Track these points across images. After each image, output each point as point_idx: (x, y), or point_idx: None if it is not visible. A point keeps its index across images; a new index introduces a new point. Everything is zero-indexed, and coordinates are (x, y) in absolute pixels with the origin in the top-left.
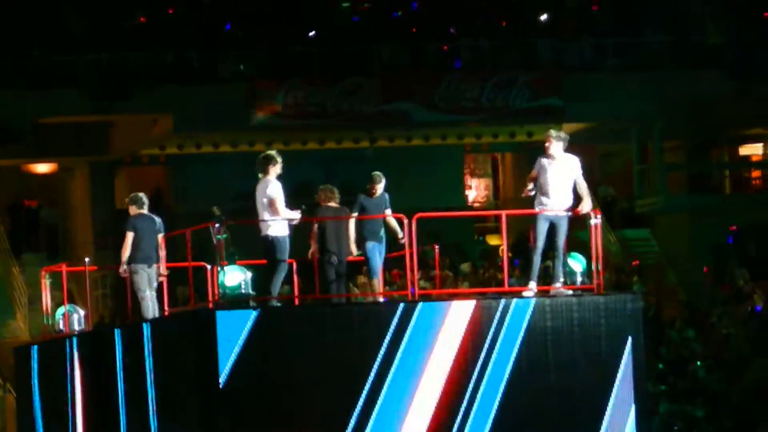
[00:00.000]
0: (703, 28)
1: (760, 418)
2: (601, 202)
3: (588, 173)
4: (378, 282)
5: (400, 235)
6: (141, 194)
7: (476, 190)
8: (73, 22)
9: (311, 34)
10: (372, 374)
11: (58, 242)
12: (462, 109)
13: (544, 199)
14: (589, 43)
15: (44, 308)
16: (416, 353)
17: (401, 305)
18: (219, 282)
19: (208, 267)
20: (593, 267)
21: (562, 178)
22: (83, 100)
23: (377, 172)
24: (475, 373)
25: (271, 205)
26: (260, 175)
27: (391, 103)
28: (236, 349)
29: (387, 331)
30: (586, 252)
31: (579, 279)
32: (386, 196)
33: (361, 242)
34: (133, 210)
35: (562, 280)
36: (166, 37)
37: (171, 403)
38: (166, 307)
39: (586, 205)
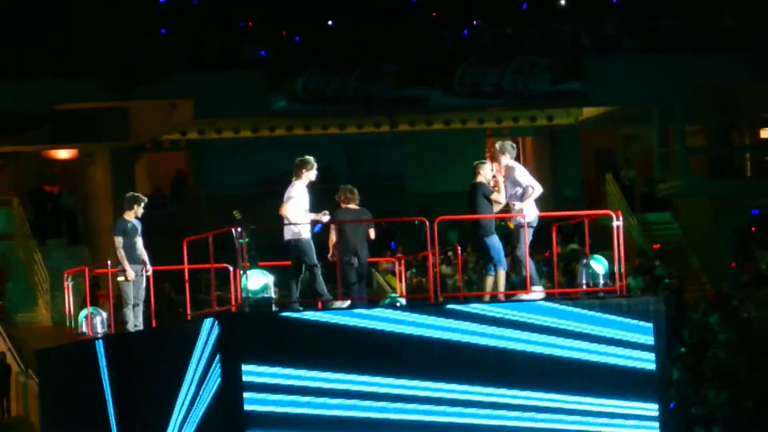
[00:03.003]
0: (721, 11)
1: None
2: (621, 186)
3: (609, 157)
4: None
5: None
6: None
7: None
8: (92, 8)
9: (330, 21)
10: None
11: (78, 228)
12: (482, 93)
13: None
14: (608, 27)
15: (66, 310)
16: None
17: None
18: (242, 286)
19: (231, 269)
20: (616, 269)
21: (509, 188)
22: (101, 87)
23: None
24: None
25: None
26: (293, 179)
27: (410, 88)
28: None
29: None
30: (608, 239)
31: (602, 281)
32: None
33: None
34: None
35: (535, 286)
36: (186, 23)
37: None
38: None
39: (523, 205)
